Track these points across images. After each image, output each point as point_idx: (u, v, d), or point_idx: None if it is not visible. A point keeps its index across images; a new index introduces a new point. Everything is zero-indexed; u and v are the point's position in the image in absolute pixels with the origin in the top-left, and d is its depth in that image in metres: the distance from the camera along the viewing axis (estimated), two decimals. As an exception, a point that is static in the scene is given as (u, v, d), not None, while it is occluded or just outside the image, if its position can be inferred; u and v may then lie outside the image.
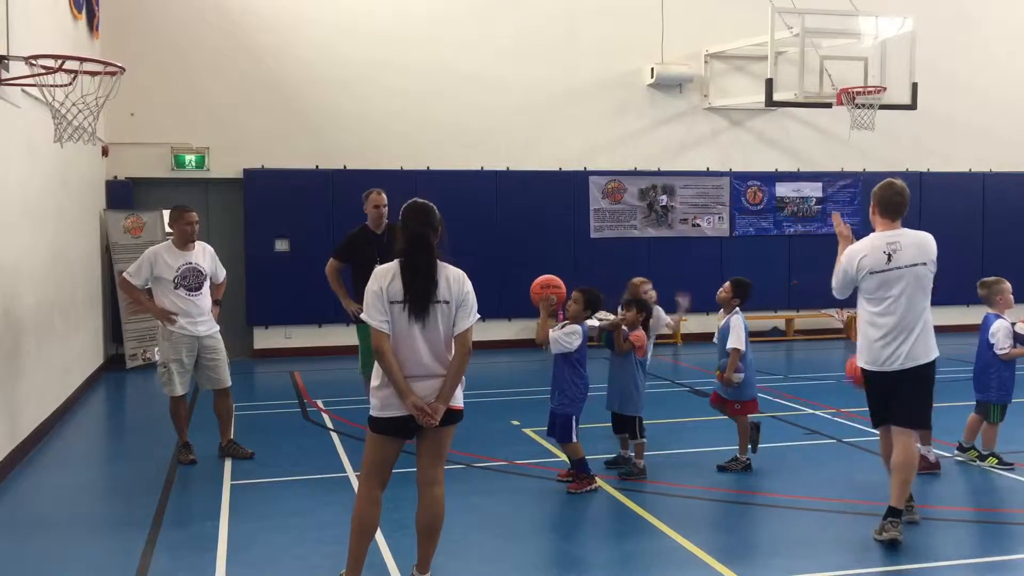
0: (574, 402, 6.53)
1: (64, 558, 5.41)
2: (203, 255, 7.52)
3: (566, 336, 6.49)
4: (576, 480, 6.56)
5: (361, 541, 4.55)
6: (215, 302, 7.63)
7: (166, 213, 7.74)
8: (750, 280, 7.19)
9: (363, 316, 4.51)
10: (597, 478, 6.62)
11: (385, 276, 4.47)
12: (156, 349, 7.93)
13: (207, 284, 7.50)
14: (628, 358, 6.85)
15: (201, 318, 7.40)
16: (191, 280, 7.36)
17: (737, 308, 7.06)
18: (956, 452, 7.23)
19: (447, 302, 4.48)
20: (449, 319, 4.49)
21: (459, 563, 5.18)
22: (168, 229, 7.85)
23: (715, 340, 7.20)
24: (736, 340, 6.88)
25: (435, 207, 4.63)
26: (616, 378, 6.95)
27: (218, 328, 7.59)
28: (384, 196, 8.09)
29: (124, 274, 7.43)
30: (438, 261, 4.52)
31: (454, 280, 4.52)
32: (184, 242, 7.41)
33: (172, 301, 7.29)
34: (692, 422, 7.66)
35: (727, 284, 7.15)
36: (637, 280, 7.51)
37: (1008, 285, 7.13)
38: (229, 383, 7.63)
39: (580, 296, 6.57)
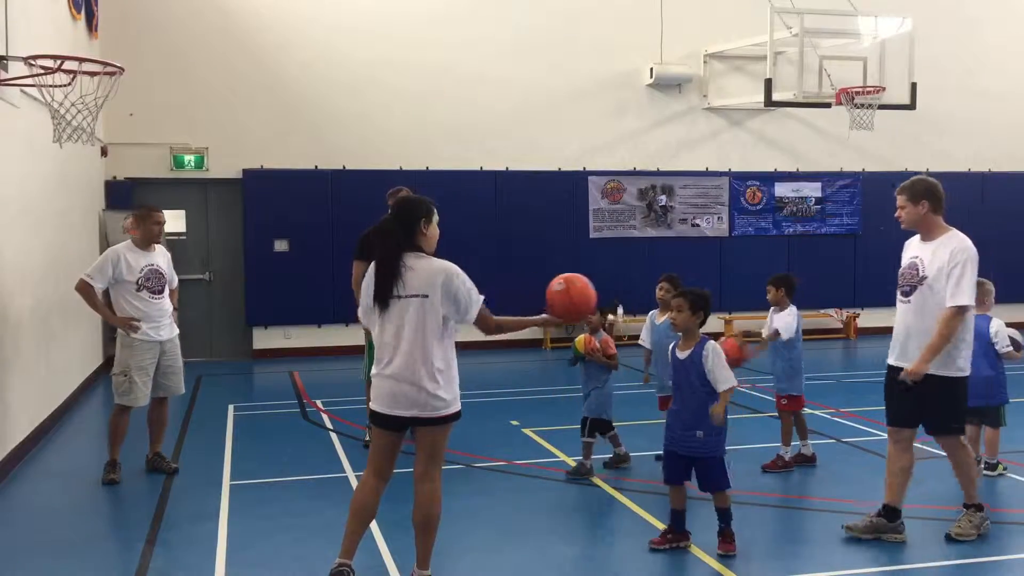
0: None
1: (63, 556, 5.41)
2: (163, 258, 7.18)
3: None
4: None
5: (354, 523, 4.59)
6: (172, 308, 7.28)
7: (166, 213, 7.50)
8: (678, 275, 7.19)
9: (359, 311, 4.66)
10: (595, 478, 6.61)
11: (370, 274, 4.61)
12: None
13: (167, 287, 7.17)
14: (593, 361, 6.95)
15: (163, 321, 7.06)
16: (154, 282, 6.99)
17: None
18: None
19: (425, 296, 4.44)
20: (433, 314, 4.45)
21: (459, 563, 5.17)
22: (124, 227, 7.48)
23: (648, 343, 7.19)
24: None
25: (423, 201, 4.63)
26: (584, 383, 7.07)
27: (177, 333, 7.27)
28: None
29: (84, 277, 6.87)
30: (419, 254, 4.51)
31: (433, 272, 4.47)
32: (148, 243, 7.05)
33: (133, 305, 6.90)
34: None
35: (664, 284, 7.07)
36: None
37: (992, 286, 7.09)
38: (183, 390, 7.37)
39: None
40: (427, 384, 4.45)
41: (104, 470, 7.01)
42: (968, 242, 5.37)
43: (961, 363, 5.35)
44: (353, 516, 4.60)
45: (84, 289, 6.90)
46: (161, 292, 7.06)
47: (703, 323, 5.39)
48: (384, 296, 4.46)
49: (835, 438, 8.03)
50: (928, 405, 5.41)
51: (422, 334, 4.45)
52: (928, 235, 5.48)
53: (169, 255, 7.34)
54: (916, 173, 15.76)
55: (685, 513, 5.37)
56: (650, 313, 7.24)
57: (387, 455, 4.62)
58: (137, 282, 6.93)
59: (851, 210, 15.63)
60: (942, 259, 5.30)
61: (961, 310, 5.23)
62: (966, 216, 16.20)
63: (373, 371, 4.62)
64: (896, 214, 5.58)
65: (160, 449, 7.31)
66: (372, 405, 4.61)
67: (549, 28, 14.56)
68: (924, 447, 7.70)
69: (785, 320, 7.06)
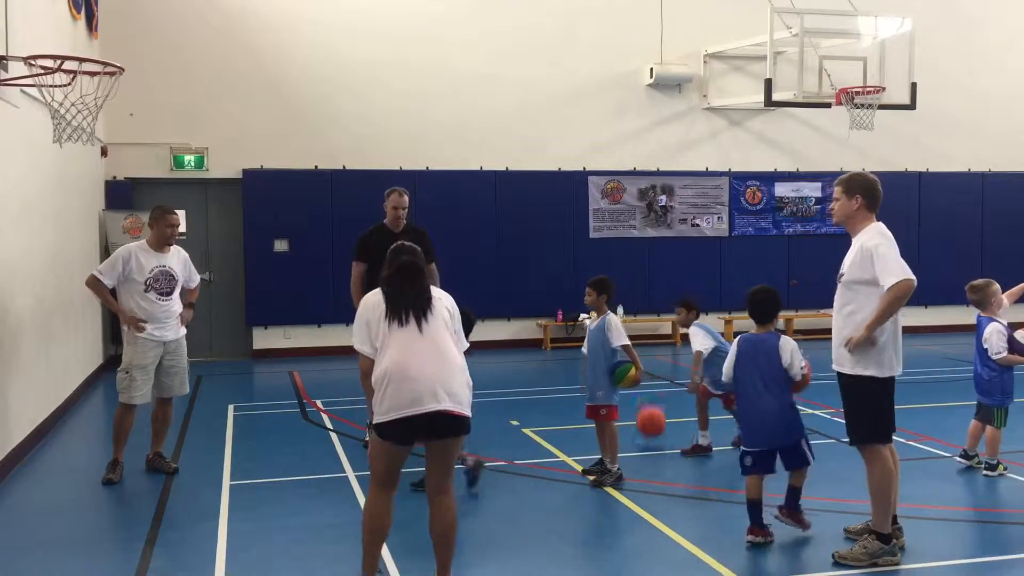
0: None
1: (63, 556, 5.40)
2: (177, 259, 7.18)
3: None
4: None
5: (373, 541, 4.61)
6: (188, 305, 7.30)
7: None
8: (607, 276, 6.98)
9: (353, 343, 4.61)
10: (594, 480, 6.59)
11: (370, 305, 4.60)
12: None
13: (178, 289, 7.16)
14: None
15: (170, 322, 7.07)
16: (163, 284, 7.01)
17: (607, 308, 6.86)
18: (960, 459, 7.07)
19: (448, 312, 4.67)
20: (450, 331, 4.62)
21: (457, 563, 5.16)
22: (124, 226, 7.49)
23: (585, 349, 6.89)
24: (624, 336, 6.71)
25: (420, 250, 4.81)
26: None
27: (184, 333, 7.28)
28: (406, 198, 7.74)
29: (95, 272, 7.00)
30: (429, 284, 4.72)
31: (446, 298, 4.73)
32: (162, 244, 7.09)
33: (140, 304, 6.93)
34: (692, 421, 7.67)
35: (589, 288, 6.79)
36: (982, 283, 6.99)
37: (998, 286, 7.07)
38: (186, 391, 7.39)
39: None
40: (457, 377, 4.49)
41: (106, 469, 7.03)
42: (878, 227, 5.11)
43: (877, 359, 4.97)
44: (371, 537, 4.59)
45: (94, 284, 6.97)
46: (169, 294, 7.08)
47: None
48: (424, 307, 4.54)
49: (834, 438, 8.02)
50: (844, 406, 5.19)
51: (446, 342, 4.55)
52: (853, 232, 5.26)
53: (186, 255, 7.36)
54: (916, 173, 15.89)
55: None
56: (581, 317, 7.09)
57: (398, 468, 4.60)
58: (146, 283, 6.96)
59: (851, 210, 15.62)
60: (854, 253, 5.13)
61: (897, 286, 4.85)
62: (965, 216, 16.30)
63: (381, 381, 4.44)
64: (830, 207, 5.38)
65: (161, 449, 7.33)
66: (387, 416, 4.38)
67: (549, 28, 14.57)
68: (923, 447, 7.70)
69: (696, 344, 7.55)
